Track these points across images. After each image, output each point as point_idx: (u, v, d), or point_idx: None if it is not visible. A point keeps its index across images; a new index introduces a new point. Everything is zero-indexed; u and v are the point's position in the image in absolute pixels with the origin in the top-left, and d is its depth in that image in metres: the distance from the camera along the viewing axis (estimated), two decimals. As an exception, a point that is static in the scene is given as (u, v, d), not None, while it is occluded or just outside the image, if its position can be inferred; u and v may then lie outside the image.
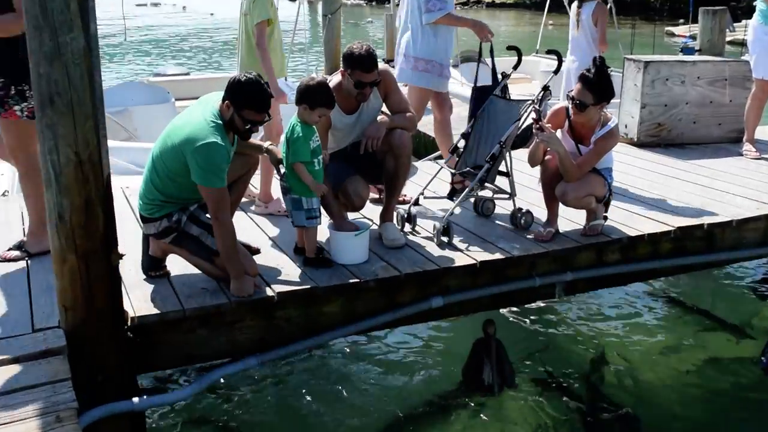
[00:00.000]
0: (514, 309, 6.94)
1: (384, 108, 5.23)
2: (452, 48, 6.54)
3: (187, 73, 14.75)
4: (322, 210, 4.83)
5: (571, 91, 5.18)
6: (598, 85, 5.04)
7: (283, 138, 4.71)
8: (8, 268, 4.75)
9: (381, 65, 5.12)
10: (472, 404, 5.58)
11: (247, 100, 4.22)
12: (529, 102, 5.38)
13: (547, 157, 5.32)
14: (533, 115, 5.11)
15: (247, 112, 4.23)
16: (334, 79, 5.05)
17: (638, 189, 6.47)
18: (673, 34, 32.18)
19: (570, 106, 5.17)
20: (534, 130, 5.05)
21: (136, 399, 3.97)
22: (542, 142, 5.07)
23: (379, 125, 5.03)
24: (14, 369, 3.67)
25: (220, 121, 4.23)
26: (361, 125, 5.10)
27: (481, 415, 5.50)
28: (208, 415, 5.64)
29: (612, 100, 5.21)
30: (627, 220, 5.61)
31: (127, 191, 6.15)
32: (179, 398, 4.40)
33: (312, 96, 4.56)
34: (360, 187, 5.08)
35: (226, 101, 4.24)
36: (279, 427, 5.51)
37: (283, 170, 4.66)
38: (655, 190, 6.45)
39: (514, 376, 5.71)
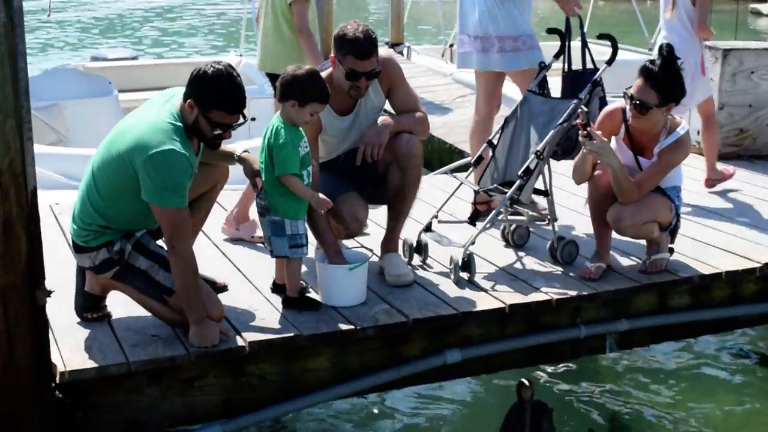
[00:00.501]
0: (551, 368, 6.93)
1: (387, 106, 5.26)
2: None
3: (135, 58, 14.77)
4: (310, 236, 4.84)
5: (629, 88, 5.16)
6: (664, 82, 5.04)
7: (260, 144, 4.67)
8: None
9: (383, 51, 5.13)
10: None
11: (217, 97, 4.21)
12: (575, 101, 5.39)
13: (597, 172, 5.30)
14: (580, 118, 5.10)
15: (216, 114, 4.22)
16: (323, 71, 5.06)
17: (714, 214, 6.49)
18: (760, 13, 32.11)
19: (628, 107, 5.18)
20: (580, 138, 5.05)
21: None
22: (591, 153, 5.05)
23: (380, 129, 5.04)
24: None
25: (180, 124, 4.23)
26: (357, 129, 5.11)
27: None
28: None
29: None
30: (699, 254, 5.62)
31: (56, 209, 6.16)
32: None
33: (301, 89, 4.55)
34: (356, 208, 5.07)
35: (189, 100, 4.23)
36: None
37: (260, 185, 4.66)
38: (736, 216, 6.47)
39: None
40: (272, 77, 6.54)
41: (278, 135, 4.56)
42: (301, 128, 4.65)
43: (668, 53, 5.08)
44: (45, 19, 28.16)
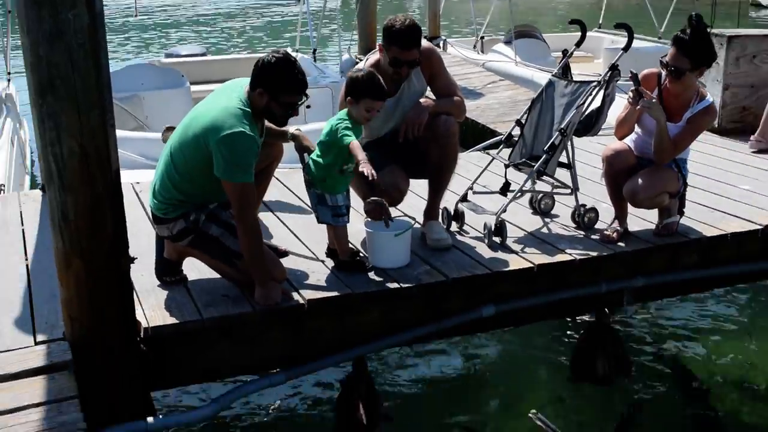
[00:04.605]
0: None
1: (429, 93, 5.22)
2: None
3: (204, 54, 14.82)
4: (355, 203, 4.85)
5: (665, 56, 5.14)
6: (695, 48, 5.00)
7: (312, 127, 4.67)
8: (8, 274, 4.83)
9: (425, 43, 5.12)
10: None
11: (285, 81, 4.24)
12: (594, 83, 5.34)
13: (614, 150, 5.31)
14: (632, 83, 5.07)
15: (284, 96, 4.25)
16: (371, 58, 5.06)
17: (720, 183, 6.41)
18: (760, 5, 31.76)
19: (664, 73, 5.15)
20: (630, 98, 5.06)
21: (150, 419, 3.99)
22: (643, 107, 5.03)
23: (421, 109, 5.02)
24: (14, 386, 3.71)
25: (248, 109, 4.24)
26: (401, 109, 5.08)
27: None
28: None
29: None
30: (707, 218, 5.57)
31: (137, 187, 6.20)
32: (198, 418, 4.43)
33: (354, 86, 4.56)
34: (399, 180, 5.07)
35: (258, 89, 4.24)
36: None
37: (307, 160, 4.66)
38: (740, 184, 6.38)
39: (631, 366, 5.78)
40: None
41: (341, 120, 4.55)
42: (362, 126, 4.65)
43: (697, 22, 5.03)
44: (131, 19, 28.59)
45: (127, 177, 4.94)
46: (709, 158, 7.08)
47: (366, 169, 4.30)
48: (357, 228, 4.98)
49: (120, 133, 4.54)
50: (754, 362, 6.79)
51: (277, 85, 4.22)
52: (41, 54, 3.47)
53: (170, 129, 5.83)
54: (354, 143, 4.43)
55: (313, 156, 4.64)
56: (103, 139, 3.64)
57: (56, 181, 3.64)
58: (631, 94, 5.09)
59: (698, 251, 5.33)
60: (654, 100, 5.04)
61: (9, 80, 11.06)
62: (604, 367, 5.51)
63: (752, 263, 5.52)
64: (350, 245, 4.82)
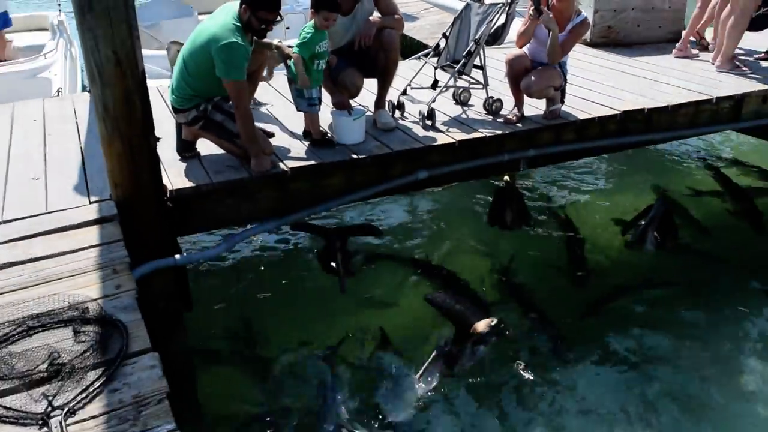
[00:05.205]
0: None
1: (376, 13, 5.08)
2: None
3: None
4: (324, 98, 4.78)
5: None
6: None
7: (293, 42, 4.58)
8: (68, 155, 4.73)
9: None
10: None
11: (261, 1, 4.10)
12: (500, 5, 5.23)
13: (514, 55, 5.24)
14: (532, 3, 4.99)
15: (261, 13, 4.12)
16: None
17: (591, 81, 6.37)
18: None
19: None
20: (531, 13, 4.99)
21: (177, 256, 4.01)
22: (543, 21, 4.94)
23: (371, 25, 4.88)
24: (77, 233, 3.73)
25: (239, 24, 4.13)
26: (356, 25, 4.94)
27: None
28: (238, 267, 5.78)
29: None
30: (581, 106, 5.55)
31: (161, 89, 6.03)
32: (212, 255, 4.46)
33: (317, 1, 4.43)
34: (356, 79, 4.97)
35: (243, 5, 4.12)
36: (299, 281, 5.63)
37: (289, 63, 4.55)
38: (605, 82, 6.34)
39: (530, 216, 5.94)
40: None
41: (304, 31, 4.47)
42: (325, 32, 4.51)
43: None
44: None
45: (152, 83, 4.81)
46: (583, 63, 7.02)
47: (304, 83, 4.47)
48: (326, 116, 4.91)
49: (146, 51, 4.40)
50: (611, 205, 6.93)
51: (256, 3, 4.09)
52: (79, -19, 3.34)
53: (175, 43, 5.67)
54: (297, 59, 4.45)
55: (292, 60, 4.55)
56: (131, 47, 3.55)
57: (97, 80, 3.57)
58: (531, 11, 4.98)
59: (574, 130, 5.33)
60: (551, 16, 4.96)
61: (60, 9, 10.60)
62: (511, 216, 5.59)
63: (612, 138, 5.54)
64: (321, 128, 4.77)
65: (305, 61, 4.48)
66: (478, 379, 4.55)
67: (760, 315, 5.30)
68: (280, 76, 5.67)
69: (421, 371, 4.52)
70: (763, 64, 6.80)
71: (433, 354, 4.57)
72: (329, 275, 5.29)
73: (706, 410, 4.38)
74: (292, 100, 4.83)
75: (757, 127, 6.30)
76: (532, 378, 4.58)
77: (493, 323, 4.67)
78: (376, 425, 4.18)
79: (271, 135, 4.83)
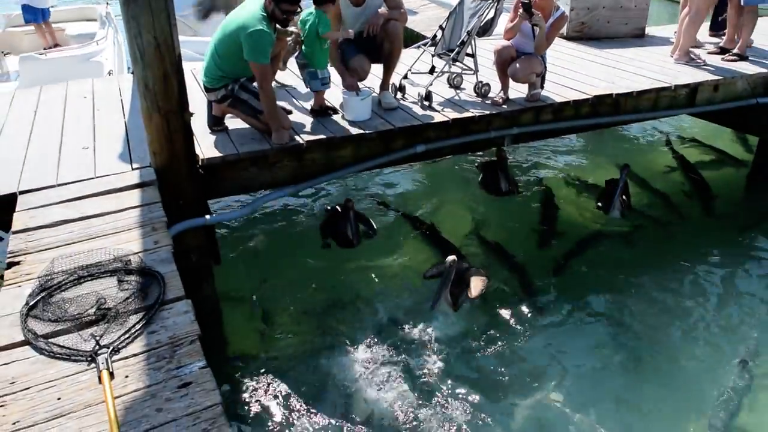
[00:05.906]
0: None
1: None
2: None
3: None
4: (335, 79, 4.68)
5: None
6: None
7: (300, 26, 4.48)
8: (114, 127, 4.64)
9: None
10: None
11: None
12: (490, 1, 5.08)
13: (502, 46, 5.10)
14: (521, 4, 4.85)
15: (284, 5, 4.02)
16: None
17: (567, 70, 6.21)
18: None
19: None
20: (520, 12, 4.85)
21: (208, 216, 3.96)
22: (535, 21, 4.83)
23: (378, 16, 4.76)
24: (121, 196, 3.66)
25: (265, 14, 4.03)
26: (365, 16, 4.80)
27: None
28: (260, 227, 5.71)
29: None
30: (558, 91, 5.42)
31: (194, 71, 5.91)
32: (238, 215, 4.39)
33: None
34: (364, 63, 4.84)
35: None
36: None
37: (303, 50, 4.45)
38: (579, 71, 6.19)
39: (517, 184, 5.88)
40: None
41: (311, 16, 4.40)
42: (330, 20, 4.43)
43: None
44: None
45: (187, 66, 4.70)
46: (560, 54, 6.85)
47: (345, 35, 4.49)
48: (337, 95, 4.79)
49: (182, 37, 4.29)
50: (584, 170, 6.84)
51: None
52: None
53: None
54: (330, 34, 4.40)
55: (305, 46, 4.47)
56: (169, 33, 3.47)
57: (139, 62, 3.49)
58: (521, 11, 4.84)
59: (552, 111, 5.22)
60: (540, 15, 4.84)
61: (107, 2, 10.40)
62: (505, 184, 5.51)
63: (585, 119, 5.42)
64: (327, 103, 4.67)
65: (318, 41, 4.39)
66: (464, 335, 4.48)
67: (708, 272, 5.25)
68: (292, 64, 5.54)
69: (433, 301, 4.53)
70: (714, 58, 6.66)
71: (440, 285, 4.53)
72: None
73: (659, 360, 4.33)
74: (305, 83, 4.72)
75: (709, 112, 6.21)
76: (507, 333, 4.50)
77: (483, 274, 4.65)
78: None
79: (290, 112, 4.74)
